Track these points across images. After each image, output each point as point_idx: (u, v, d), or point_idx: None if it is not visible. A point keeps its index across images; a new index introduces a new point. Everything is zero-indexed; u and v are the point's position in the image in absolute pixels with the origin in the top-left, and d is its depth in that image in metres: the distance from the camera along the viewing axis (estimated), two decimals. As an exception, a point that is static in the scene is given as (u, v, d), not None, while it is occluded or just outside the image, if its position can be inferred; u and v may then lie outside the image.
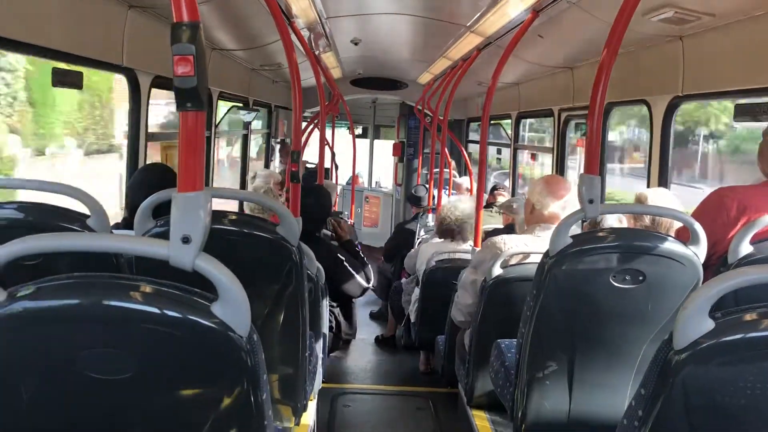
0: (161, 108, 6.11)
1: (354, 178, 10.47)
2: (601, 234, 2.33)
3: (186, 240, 1.26)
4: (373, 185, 12.29)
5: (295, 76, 3.21)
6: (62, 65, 3.15)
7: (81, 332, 1.29)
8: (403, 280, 5.91)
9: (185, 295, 1.31)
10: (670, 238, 2.29)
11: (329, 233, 4.61)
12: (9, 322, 1.27)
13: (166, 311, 1.29)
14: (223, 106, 6.18)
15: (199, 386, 1.35)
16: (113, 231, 2.70)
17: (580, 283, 2.27)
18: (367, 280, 4.28)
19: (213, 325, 1.29)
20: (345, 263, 4.18)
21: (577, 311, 2.31)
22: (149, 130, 3.96)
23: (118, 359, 1.29)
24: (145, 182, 2.94)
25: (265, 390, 1.39)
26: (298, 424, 2.62)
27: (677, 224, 2.81)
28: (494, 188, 7.11)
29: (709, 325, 1.32)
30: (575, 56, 5.01)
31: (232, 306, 1.29)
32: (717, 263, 2.36)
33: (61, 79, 3.14)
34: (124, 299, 1.30)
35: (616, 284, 2.23)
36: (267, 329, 2.37)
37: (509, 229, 5.12)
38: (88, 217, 2.23)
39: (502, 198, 6.81)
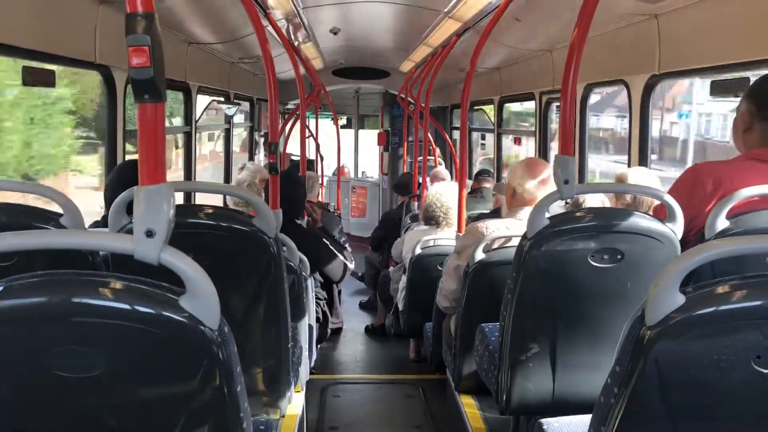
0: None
1: (340, 170, 10.45)
2: (578, 214, 2.33)
3: (150, 234, 1.25)
4: (360, 175, 12.27)
5: (269, 68, 3.19)
6: (33, 64, 3.11)
7: (49, 330, 1.28)
8: (391, 268, 5.92)
9: (153, 289, 1.30)
10: (647, 216, 2.30)
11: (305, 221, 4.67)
12: None
13: (135, 306, 1.27)
14: (203, 101, 6.13)
15: (171, 381, 1.34)
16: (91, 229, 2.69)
17: (559, 264, 2.27)
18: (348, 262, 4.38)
19: (182, 319, 1.27)
20: (327, 243, 4.24)
21: (557, 292, 2.32)
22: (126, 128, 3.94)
23: (88, 357, 1.28)
24: (123, 179, 2.92)
25: (239, 382, 1.38)
26: (283, 415, 2.61)
27: (657, 203, 2.82)
28: (479, 174, 7.11)
29: (680, 299, 1.32)
30: (553, 38, 5.00)
31: (200, 299, 1.28)
32: (694, 239, 2.36)
33: (33, 78, 3.10)
34: (92, 296, 1.29)
35: (594, 264, 2.24)
36: (248, 322, 2.36)
37: (497, 213, 5.13)
38: (62, 215, 2.22)
39: (488, 184, 6.81)
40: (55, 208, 2.23)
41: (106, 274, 1.35)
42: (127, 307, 1.28)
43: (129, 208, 2.20)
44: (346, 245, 6.40)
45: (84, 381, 1.30)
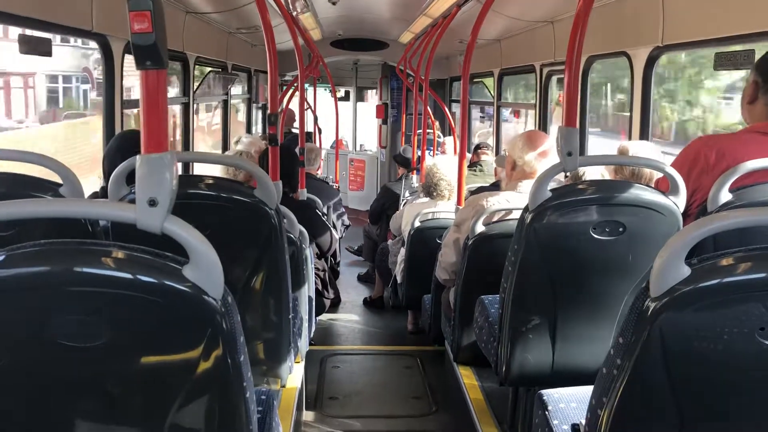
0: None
1: (338, 142, 10.40)
2: (580, 187, 2.31)
3: (153, 202, 1.23)
4: (358, 148, 12.22)
5: (269, 37, 3.15)
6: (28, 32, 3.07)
7: (52, 300, 1.27)
8: (389, 241, 5.92)
9: (156, 259, 1.29)
10: (649, 188, 2.29)
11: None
12: None
13: (137, 276, 1.27)
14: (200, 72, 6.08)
15: (174, 351, 1.33)
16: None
17: (561, 237, 2.27)
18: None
19: (185, 289, 1.27)
20: (319, 214, 4.27)
21: (558, 264, 2.32)
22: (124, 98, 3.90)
23: (91, 326, 1.27)
24: (121, 149, 2.90)
25: (243, 352, 1.38)
26: (284, 385, 2.63)
27: (658, 176, 2.81)
28: (478, 147, 7.08)
29: (685, 271, 1.31)
30: (555, 10, 4.95)
31: (204, 268, 1.27)
32: (696, 212, 2.36)
33: (29, 47, 3.05)
34: (95, 265, 1.28)
35: (596, 236, 2.23)
36: (249, 293, 2.36)
37: (497, 186, 5.12)
38: (61, 185, 2.20)
39: (486, 157, 6.79)
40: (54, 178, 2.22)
41: (108, 243, 1.33)
42: (129, 276, 1.27)
43: (128, 179, 2.18)
44: (344, 216, 6.40)
45: (87, 350, 1.29)
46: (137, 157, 1.26)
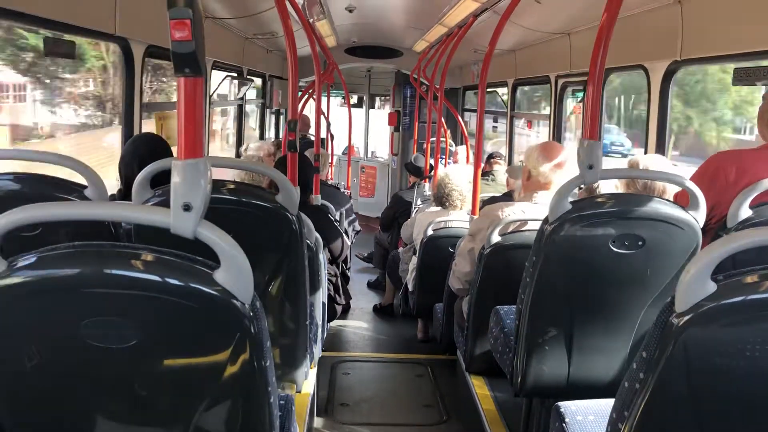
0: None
1: (350, 149, 10.43)
2: (600, 200, 2.32)
3: (187, 207, 1.25)
4: (369, 155, 12.24)
5: (290, 44, 3.17)
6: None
7: (82, 301, 1.29)
8: (400, 249, 5.92)
9: (187, 263, 1.31)
10: (669, 202, 2.29)
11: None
12: (9, 291, 1.27)
13: (168, 279, 1.28)
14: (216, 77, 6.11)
15: (202, 354, 1.35)
16: (110, 202, 2.69)
17: (580, 249, 2.27)
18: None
19: (216, 293, 1.28)
20: (333, 221, 4.29)
21: (577, 277, 2.32)
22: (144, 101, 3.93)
23: (121, 328, 1.29)
24: (137, 153, 2.92)
25: (269, 357, 1.40)
26: (299, 391, 2.64)
27: (669, 189, 2.81)
28: (491, 156, 7.08)
29: (711, 287, 1.32)
30: (572, 21, 4.96)
31: (235, 273, 1.29)
32: (715, 227, 2.36)
33: (53, 49, 3.09)
34: (125, 268, 1.30)
35: (615, 249, 2.23)
36: (267, 298, 2.37)
37: (509, 196, 5.12)
38: (85, 187, 2.22)
39: (499, 166, 6.79)
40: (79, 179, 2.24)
41: (139, 246, 1.35)
42: (159, 279, 1.29)
43: (152, 182, 2.20)
44: (355, 223, 6.41)
45: (116, 352, 1.31)
46: (172, 162, 1.28)
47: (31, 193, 2.18)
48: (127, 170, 2.91)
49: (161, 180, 2.10)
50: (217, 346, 1.33)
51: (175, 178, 1.26)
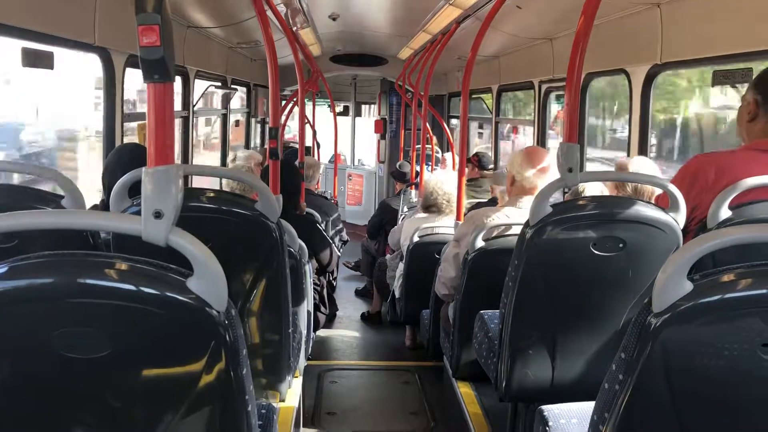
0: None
1: (336, 157, 10.43)
2: (581, 203, 2.32)
3: (158, 215, 1.24)
4: (356, 163, 12.24)
5: (271, 52, 3.17)
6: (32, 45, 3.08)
7: (55, 311, 1.27)
8: (388, 256, 5.91)
9: (160, 271, 1.29)
10: (649, 204, 2.30)
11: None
12: None
13: (141, 288, 1.27)
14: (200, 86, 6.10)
15: (177, 363, 1.33)
16: (90, 212, 2.66)
17: (561, 252, 2.27)
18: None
19: (189, 301, 1.27)
20: (321, 231, 4.27)
21: (558, 280, 2.32)
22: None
23: (94, 338, 1.27)
24: (120, 162, 2.91)
25: (245, 365, 1.38)
26: (283, 400, 2.62)
27: (658, 192, 2.82)
28: (479, 161, 7.09)
29: (688, 287, 1.32)
30: (554, 27, 4.99)
31: (208, 281, 1.27)
32: (696, 229, 2.36)
33: (32, 60, 3.07)
34: (98, 277, 1.28)
35: (596, 252, 2.24)
36: (249, 307, 2.36)
37: (493, 202, 5.13)
38: (62, 197, 2.20)
39: (485, 172, 6.80)
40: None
41: (112, 255, 1.33)
42: (133, 288, 1.27)
43: (130, 192, 2.18)
44: (343, 232, 6.39)
45: (90, 362, 1.29)
46: (143, 169, 1.27)
47: (8, 204, 2.15)
48: (110, 180, 2.89)
49: (140, 189, 2.08)
50: (192, 354, 1.32)
51: (146, 186, 1.25)
